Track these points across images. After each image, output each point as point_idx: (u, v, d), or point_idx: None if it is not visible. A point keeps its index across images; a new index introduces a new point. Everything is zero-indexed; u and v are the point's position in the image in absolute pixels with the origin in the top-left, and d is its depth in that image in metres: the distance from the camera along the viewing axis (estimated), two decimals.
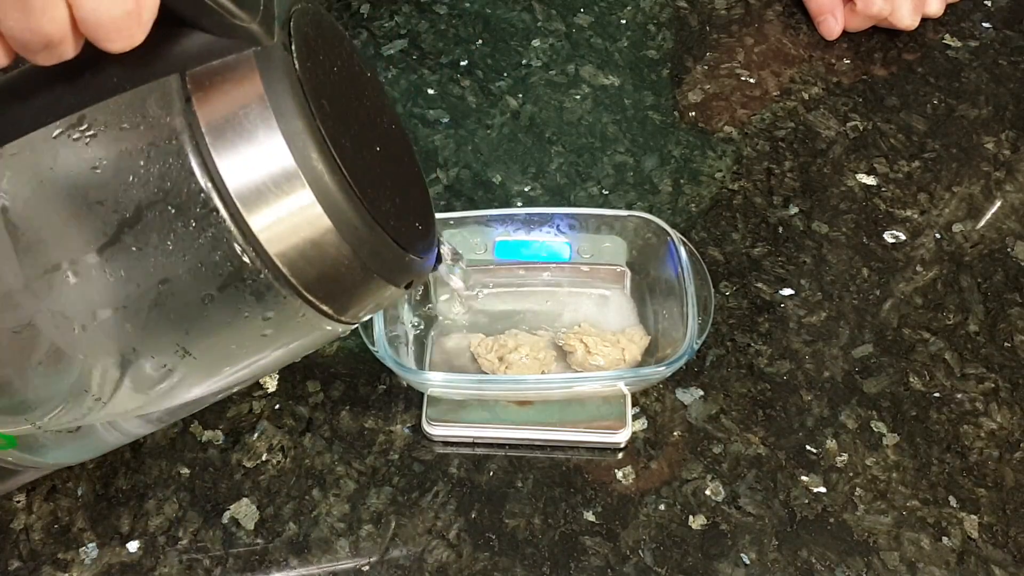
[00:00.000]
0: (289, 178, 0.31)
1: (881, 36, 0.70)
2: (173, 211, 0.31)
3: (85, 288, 0.33)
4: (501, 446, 0.49)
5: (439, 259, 0.41)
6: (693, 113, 0.65)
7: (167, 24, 0.30)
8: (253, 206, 0.31)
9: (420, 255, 0.36)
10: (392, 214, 0.35)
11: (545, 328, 0.52)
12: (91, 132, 0.31)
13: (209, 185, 0.31)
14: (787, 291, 0.55)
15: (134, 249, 0.32)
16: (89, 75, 0.31)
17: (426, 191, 0.40)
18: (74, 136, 0.31)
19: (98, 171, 0.31)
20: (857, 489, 0.47)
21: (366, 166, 0.34)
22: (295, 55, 0.31)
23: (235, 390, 0.42)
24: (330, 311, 0.34)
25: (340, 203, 0.32)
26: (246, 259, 0.32)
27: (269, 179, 0.31)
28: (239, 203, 0.31)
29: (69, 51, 0.30)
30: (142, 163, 0.31)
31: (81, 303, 0.33)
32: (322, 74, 0.33)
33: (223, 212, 0.31)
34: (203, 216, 0.31)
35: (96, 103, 0.31)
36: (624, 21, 0.71)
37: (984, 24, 0.71)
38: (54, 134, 0.31)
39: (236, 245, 0.31)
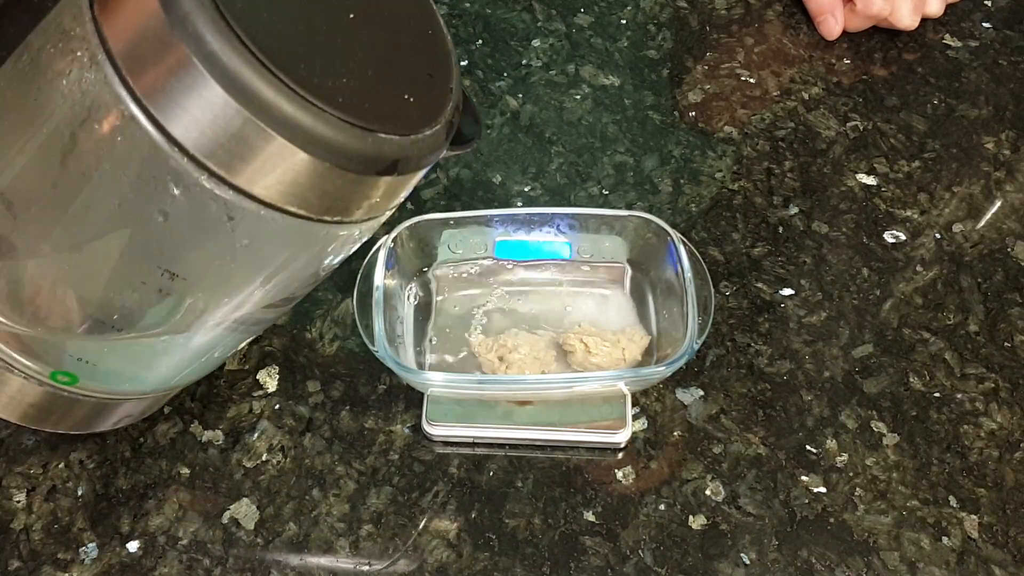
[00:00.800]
0: (187, 69, 0.28)
1: (881, 36, 0.70)
2: (100, 127, 0.29)
3: (59, 219, 0.31)
4: (501, 446, 0.49)
5: (458, 131, 0.35)
6: (693, 113, 0.65)
7: None
8: (165, 107, 0.29)
9: (405, 132, 0.32)
10: (354, 88, 0.30)
11: (545, 328, 0.52)
12: (29, 59, 0.30)
13: (124, 93, 0.29)
14: (787, 291, 0.55)
15: (81, 173, 0.30)
16: (25, 3, 0.30)
17: (445, 55, 0.35)
18: (19, 66, 0.30)
19: (37, 99, 0.30)
20: (857, 489, 0.47)
21: (315, 38, 0.31)
22: None
23: (292, 303, 0.39)
24: (304, 212, 0.31)
25: (249, 86, 0.28)
26: (176, 166, 0.29)
27: (171, 73, 0.28)
28: (151, 106, 0.29)
29: None
30: (65, 82, 0.29)
31: (61, 234, 0.32)
32: None
33: (142, 119, 0.29)
34: (125, 127, 0.29)
35: (32, 29, 0.30)
36: (624, 21, 0.71)
37: (984, 24, 0.71)
38: (9, 68, 0.30)
39: (163, 153, 0.29)
